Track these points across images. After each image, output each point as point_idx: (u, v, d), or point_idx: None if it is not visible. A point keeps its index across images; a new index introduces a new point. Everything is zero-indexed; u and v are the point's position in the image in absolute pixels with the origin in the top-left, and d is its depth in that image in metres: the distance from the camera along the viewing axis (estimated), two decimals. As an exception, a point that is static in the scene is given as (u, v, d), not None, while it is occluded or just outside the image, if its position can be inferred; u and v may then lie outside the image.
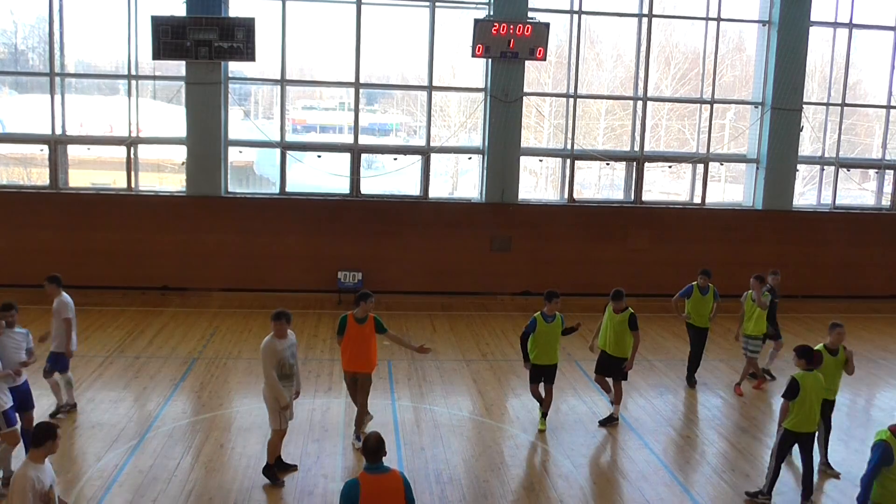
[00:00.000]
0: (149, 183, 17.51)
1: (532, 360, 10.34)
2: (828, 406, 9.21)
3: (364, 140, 17.76)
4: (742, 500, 8.67)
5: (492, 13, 16.99)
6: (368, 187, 17.77)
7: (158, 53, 16.07)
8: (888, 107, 19.29)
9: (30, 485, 5.72)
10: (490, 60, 17.14)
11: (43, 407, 9.86)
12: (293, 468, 9.11)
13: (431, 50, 17.39)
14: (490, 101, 17.33)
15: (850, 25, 18.70)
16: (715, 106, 18.55)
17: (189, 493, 8.26)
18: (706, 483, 9.02)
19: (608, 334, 10.79)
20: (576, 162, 18.22)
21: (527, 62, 17.35)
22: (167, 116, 17.42)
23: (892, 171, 19.51)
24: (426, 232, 17.54)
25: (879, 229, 19.12)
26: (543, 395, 10.52)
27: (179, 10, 16.27)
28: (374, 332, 9.48)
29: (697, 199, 18.66)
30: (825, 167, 19.23)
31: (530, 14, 17.09)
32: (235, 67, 17.24)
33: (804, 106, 18.42)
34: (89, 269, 16.79)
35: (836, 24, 18.68)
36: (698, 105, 18.58)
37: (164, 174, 17.84)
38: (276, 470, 8.77)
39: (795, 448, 8.76)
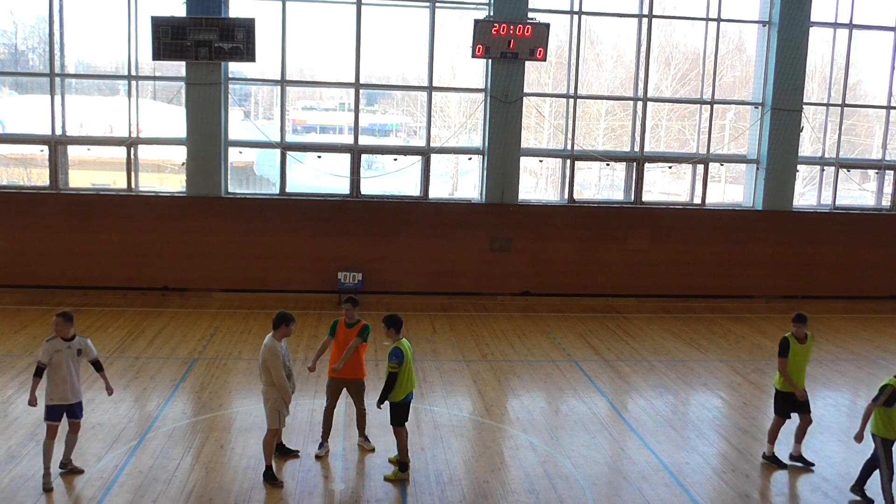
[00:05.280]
0: (149, 183, 17.52)
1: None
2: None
3: (364, 140, 17.76)
4: (742, 500, 8.66)
5: (492, 14, 16.99)
6: (368, 188, 17.77)
7: (158, 54, 16.07)
8: (888, 107, 19.28)
9: None
10: (490, 61, 17.14)
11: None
12: (295, 454, 9.21)
13: (431, 50, 17.39)
14: (490, 102, 17.33)
15: (851, 26, 18.69)
16: (715, 106, 18.55)
17: (189, 494, 8.26)
18: (706, 483, 9.02)
19: (801, 368, 9.45)
20: (576, 162, 18.22)
21: (527, 63, 17.35)
22: (167, 117, 17.42)
23: (892, 172, 19.50)
24: (426, 232, 17.54)
25: (879, 229, 19.11)
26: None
27: (179, 10, 16.27)
28: (356, 335, 9.31)
29: (697, 200, 18.65)
30: (825, 168, 19.23)
31: (530, 14, 17.09)
32: (235, 68, 17.24)
33: (804, 106, 18.42)
34: (89, 269, 16.81)
35: (836, 25, 18.67)
36: (698, 105, 18.57)
37: (165, 175, 17.84)
38: (279, 454, 9.03)
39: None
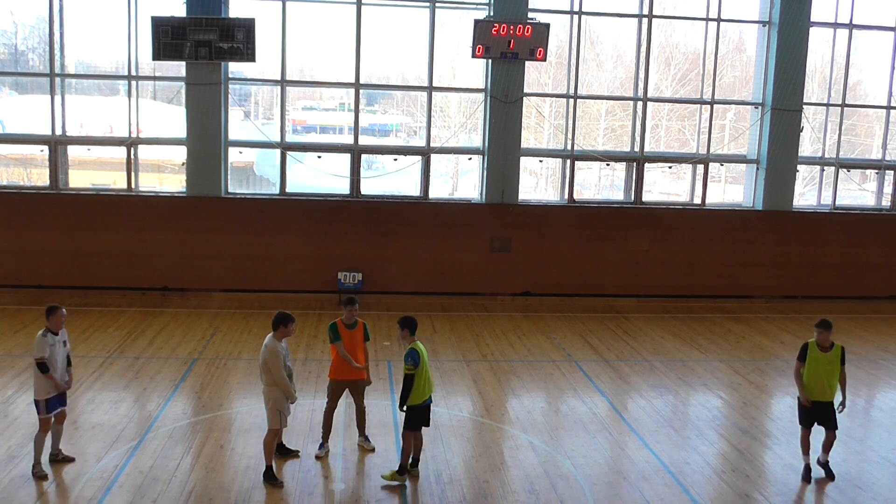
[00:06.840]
0: (149, 183, 17.52)
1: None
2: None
3: (364, 141, 17.76)
4: (742, 500, 8.66)
5: (492, 14, 16.99)
6: (368, 188, 17.77)
7: (158, 54, 16.07)
8: (888, 107, 19.28)
9: None
10: (490, 61, 17.14)
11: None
12: (295, 454, 9.22)
13: (431, 50, 17.39)
14: (490, 102, 17.33)
15: (851, 26, 18.69)
16: (715, 106, 18.55)
17: (189, 494, 8.26)
18: (706, 483, 9.01)
19: (821, 378, 9.04)
20: (576, 162, 18.21)
21: (527, 63, 17.34)
22: (167, 117, 17.42)
23: (892, 172, 19.50)
24: (426, 232, 17.54)
25: (879, 229, 19.11)
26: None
27: (179, 10, 16.27)
28: (363, 338, 9.42)
29: (697, 200, 18.65)
30: (825, 168, 19.23)
31: (530, 14, 17.09)
32: (235, 68, 17.24)
33: (804, 106, 18.41)
34: (89, 269, 16.81)
35: (836, 25, 18.67)
36: (698, 105, 18.57)
37: (165, 175, 17.85)
38: (279, 454, 9.03)
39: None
